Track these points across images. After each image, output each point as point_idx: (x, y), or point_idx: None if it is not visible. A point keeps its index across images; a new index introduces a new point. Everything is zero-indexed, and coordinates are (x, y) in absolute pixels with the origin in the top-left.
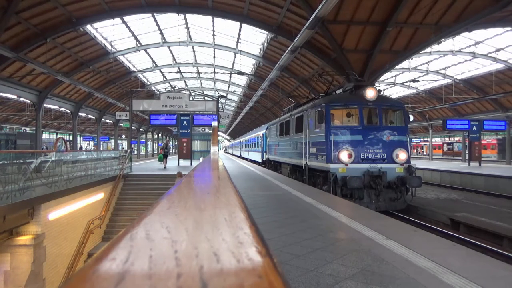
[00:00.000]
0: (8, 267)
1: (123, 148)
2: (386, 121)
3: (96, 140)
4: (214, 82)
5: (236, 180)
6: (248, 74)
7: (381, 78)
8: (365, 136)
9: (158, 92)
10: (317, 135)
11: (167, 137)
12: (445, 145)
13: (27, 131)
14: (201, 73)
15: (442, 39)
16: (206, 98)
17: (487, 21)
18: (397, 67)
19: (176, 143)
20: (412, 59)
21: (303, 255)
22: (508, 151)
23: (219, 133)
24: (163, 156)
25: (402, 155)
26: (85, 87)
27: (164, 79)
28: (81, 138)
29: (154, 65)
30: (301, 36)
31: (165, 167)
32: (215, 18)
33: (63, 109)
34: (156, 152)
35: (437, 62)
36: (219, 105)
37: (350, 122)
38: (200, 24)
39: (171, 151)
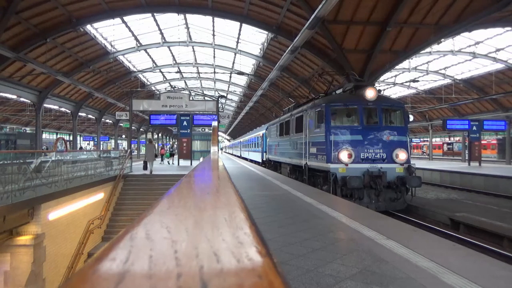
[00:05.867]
0: (8, 267)
1: (124, 148)
2: (386, 121)
3: (96, 140)
4: (214, 82)
5: (236, 180)
6: (248, 74)
7: (381, 78)
8: (365, 136)
9: (158, 92)
10: (317, 135)
11: (174, 139)
12: (445, 145)
13: (27, 131)
14: (201, 73)
15: (442, 39)
16: (206, 98)
17: (487, 21)
18: (397, 67)
19: (176, 143)
20: (412, 59)
21: (303, 255)
22: (508, 151)
23: (219, 133)
24: (170, 155)
25: (402, 155)
26: (85, 87)
27: (164, 79)
28: (81, 138)
29: (154, 65)
30: (301, 36)
31: (170, 163)
32: (215, 18)
33: (63, 109)
34: (156, 152)
35: (437, 62)
36: (219, 105)
37: (350, 122)
38: (200, 24)
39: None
